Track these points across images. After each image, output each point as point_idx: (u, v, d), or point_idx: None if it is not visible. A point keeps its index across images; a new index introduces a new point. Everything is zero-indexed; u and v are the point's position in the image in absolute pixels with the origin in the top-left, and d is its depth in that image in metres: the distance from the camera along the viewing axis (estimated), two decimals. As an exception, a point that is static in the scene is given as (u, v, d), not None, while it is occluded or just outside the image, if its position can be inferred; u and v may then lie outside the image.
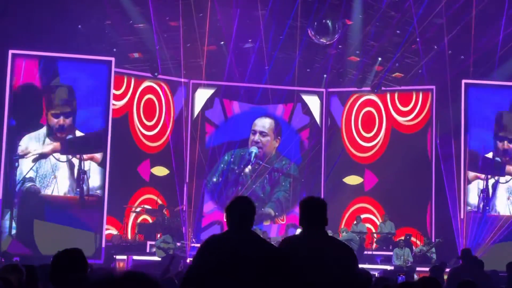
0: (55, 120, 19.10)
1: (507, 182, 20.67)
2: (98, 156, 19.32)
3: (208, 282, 4.84)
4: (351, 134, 23.16)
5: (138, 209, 21.22)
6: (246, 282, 4.79)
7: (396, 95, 22.74)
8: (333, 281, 4.93)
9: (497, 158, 20.64)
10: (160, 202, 21.44)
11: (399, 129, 22.53)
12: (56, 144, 19.07)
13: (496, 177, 20.64)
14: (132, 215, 21.19)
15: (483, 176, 20.58)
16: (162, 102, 22.07)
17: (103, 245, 18.94)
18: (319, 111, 23.51)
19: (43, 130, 19.03)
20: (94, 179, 19.25)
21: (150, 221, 21.14)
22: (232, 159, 22.96)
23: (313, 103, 23.52)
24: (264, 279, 4.74)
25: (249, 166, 22.91)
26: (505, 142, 20.74)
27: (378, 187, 22.46)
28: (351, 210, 22.76)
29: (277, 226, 23.06)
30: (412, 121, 22.43)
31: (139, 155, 21.46)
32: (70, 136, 19.14)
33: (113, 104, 20.04)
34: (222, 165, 22.90)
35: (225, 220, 5.18)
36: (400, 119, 22.65)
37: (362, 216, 22.29)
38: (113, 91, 19.91)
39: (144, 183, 21.61)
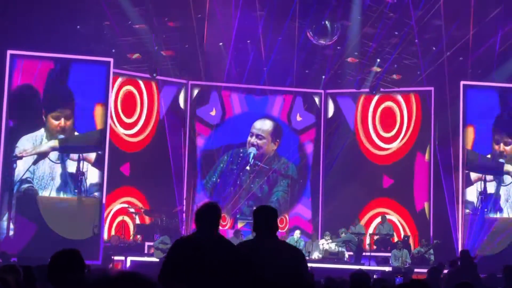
0: (56, 123, 19.09)
1: (506, 185, 20.68)
2: (92, 156, 19.32)
3: (179, 279, 5.32)
4: (368, 134, 22.99)
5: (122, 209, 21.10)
6: (212, 279, 5.32)
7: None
8: (286, 278, 5.54)
9: (501, 160, 20.67)
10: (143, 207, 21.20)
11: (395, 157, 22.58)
12: (54, 145, 19.06)
13: (497, 179, 20.65)
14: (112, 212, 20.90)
15: (482, 176, 20.60)
16: (144, 99, 21.62)
17: (101, 246, 18.97)
18: (331, 111, 23.43)
19: (41, 131, 19.03)
20: (90, 179, 19.25)
21: (130, 222, 20.94)
22: (231, 159, 22.96)
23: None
24: (229, 277, 5.31)
25: (248, 167, 22.94)
26: (501, 145, 20.78)
27: (394, 187, 22.45)
28: (373, 212, 22.67)
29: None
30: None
31: (121, 155, 21.06)
32: (68, 137, 19.14)
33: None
34: (221, 165, 22.91)
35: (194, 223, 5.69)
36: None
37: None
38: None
39: (125, 182, 21.28)
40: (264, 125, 23.30)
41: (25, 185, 18.83)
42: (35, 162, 18.92)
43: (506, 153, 20.78)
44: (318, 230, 22.66)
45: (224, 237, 5.77)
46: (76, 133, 19.27)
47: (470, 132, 20.77)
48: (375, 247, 21.10)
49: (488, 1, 19.40)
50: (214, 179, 22.84)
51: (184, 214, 21.53)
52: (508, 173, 20.73)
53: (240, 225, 22.52)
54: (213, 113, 22.92)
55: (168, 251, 5.76)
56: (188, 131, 22.54)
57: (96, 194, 19.26)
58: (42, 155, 18.97)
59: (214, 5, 20.02)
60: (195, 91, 22.70)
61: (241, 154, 23.07)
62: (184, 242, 5.72)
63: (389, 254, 20.20)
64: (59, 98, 19.21)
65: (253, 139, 23.10)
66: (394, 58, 21.43)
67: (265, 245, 5.69)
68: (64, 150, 19.11)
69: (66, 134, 19.15)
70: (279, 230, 22.55)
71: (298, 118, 23.46)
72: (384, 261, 20.14)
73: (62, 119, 19.15)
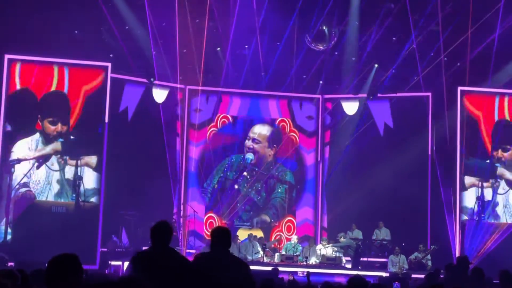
0: (52, 128, 19.08)
1: (505, 192, 20.65)
2: (93, 161, 19.30)
3: None
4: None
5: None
6: (164, 286, 6.27)
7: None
8: (233, 284, 6.58)
9: (496, 164, 20.67)
10: None
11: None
12: (51, 150, 19.04)
13: (494, 185, 20.63)
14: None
15: (479, 183, 20.58)
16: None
17: (98, 251, 18.95)
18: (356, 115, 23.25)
19: (36, 135, 19.00)
20: (88, 184, 19.21)
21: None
22: (229, 165, 22.96)
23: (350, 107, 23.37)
24: (177, 284, 6.32)
25: (245, 173, 22.93)
26: (499, 151, 20.79)
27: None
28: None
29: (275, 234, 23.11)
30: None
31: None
32: (68, 141, 19.11)
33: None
34: (220, 171, 22.90)
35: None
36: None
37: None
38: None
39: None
40: (262, 130, 23.32)
41: (23, 190, 18.81)
42: (38, 166, 18.88)
43: (504, 159, 20.79)
44: (317, 236, 22.70)
45: (175, 251, 6.87)
46: (72, 137, 19.23)
47: (467, 138, 20.77)
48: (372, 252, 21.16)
49: (485, 6, 19.42)
50: (213, 184, 22.83)
51: (181, 220, 21.53)
52: (505, 179, 20.72)
53: (237, 231, 22.50)
54: (209, 117, 22.94)
55: (129, 263, 6.69)
56: (185, 137, 22.55)
57: (93, 199, 19.22)
58: (38, 160, 18.92)
59: (212, 10, 20.05)
60: (193, 96, 22.74)
61: (240, 161, 23.05)
62: (140, 256, 6.73)
63: (386, 260, 20.23)
64: (56, 102, 19.19)
65: (249, 143, 23.14)
66: (391, 63, 21.47)
67: (218, 257, 6.76)
68: (65, 154, 19.08)
69: (63, 138, 19.12)
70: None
71: (310, 119, 23.46)
72: (382, 267, 20.16)
73: (59, 124, 19.13)
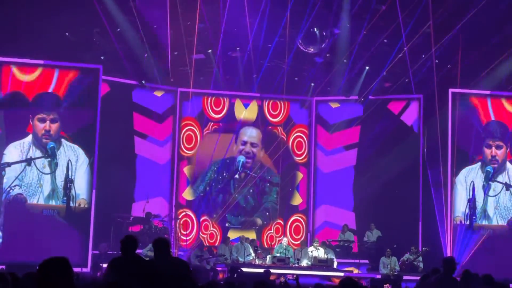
0: (41, 126, 19.02)
1: (496, 194, 20.69)
2: (84, 163, 19.25)
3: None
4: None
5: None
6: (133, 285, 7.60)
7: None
8: (176, 282, 8.09)
9: (488, 168, 20.70)
10: None
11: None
12: (42, 152, 18.97)
13: (485, 187, 20.65)
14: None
15: (470, 185, 20.61)
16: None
17: (90, 254, 18.92)
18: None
19: (29, 138, 18.95)
20: (79, 187, 19.16)
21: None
22: (220, 168, 22.90)
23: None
24: (142, 284, 7.70)
25: (236, 176, 22.87)
26: (493, 149, 20.81)
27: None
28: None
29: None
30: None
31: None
32: (56, 143, 19.07)
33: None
34: (210, 174, 22.86)
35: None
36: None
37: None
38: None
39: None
40: (253, 133, 23.26)
41: (14, 193, 18.75)
42: (30, 169, 18.79)
43: (498, 157, 20.81)
44: (308, 237, 22.70)
45: (140, 257, 8.39)
46: (64, 141, 19.19)
47: (460, 139, 20.80)
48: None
49: (478, 9, 19.49)
50: (202, 187, 22.77)
51: (173, 222, 21.53)
52: (496, 181, 20.76)
53: (229, 233, 22.48)
54: (200, 119, 22.93)
55: (106, 268, 8.24)
56: (177, 140, 22.54)
57: (85, 201, 19.17)
58: (29, 162, 18.83)
59: (204, 13, 20.05)
60: (184, 98, 22.73)
61: (234, 163, 22.98)
62: (115, 261, 8.12)
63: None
64: (47, 102, 19.13)
65: (247, 148, 23.01)
66: (383, 66, 21.51)
67: (164, 262, 8.24)
68: (56, 156, 19.01)
69: (52, 138, 19.03)
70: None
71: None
72: (373, 268, 20.20)
73: (48, 122, 19.05)
